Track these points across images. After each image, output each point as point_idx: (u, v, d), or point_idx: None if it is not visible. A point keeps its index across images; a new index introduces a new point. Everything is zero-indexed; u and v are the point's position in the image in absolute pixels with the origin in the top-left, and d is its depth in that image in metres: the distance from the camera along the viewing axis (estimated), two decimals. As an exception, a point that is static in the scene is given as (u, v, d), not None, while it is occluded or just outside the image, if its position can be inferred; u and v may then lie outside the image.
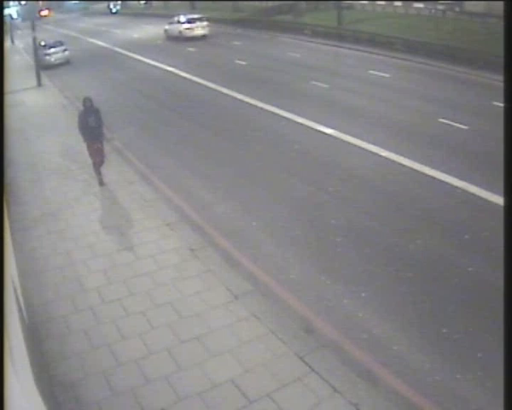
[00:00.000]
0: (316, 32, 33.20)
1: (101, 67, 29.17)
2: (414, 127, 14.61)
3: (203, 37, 33.38)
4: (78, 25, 59.59)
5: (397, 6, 38.34)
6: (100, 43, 39.65)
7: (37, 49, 25.84)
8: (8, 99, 19.03)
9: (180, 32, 33.70)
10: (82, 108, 11.62)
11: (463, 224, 9.32)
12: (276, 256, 8.64)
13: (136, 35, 41.67)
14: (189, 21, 33.69)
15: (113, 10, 70.96)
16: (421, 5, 35.38)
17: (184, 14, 35.34)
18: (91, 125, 11.15)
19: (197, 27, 33.62)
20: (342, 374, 5.96)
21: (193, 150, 13.98)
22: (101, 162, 11.66)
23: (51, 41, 31.92)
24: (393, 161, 12.15)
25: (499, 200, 9.33)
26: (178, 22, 34.15)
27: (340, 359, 6.24)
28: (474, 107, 16.19)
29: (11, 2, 52.91)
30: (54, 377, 6.06)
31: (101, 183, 11.61)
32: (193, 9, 56.99)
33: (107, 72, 27.71)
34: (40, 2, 61.79)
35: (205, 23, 33.94)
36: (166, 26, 35.82)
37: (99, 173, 11.66)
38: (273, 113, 16.76)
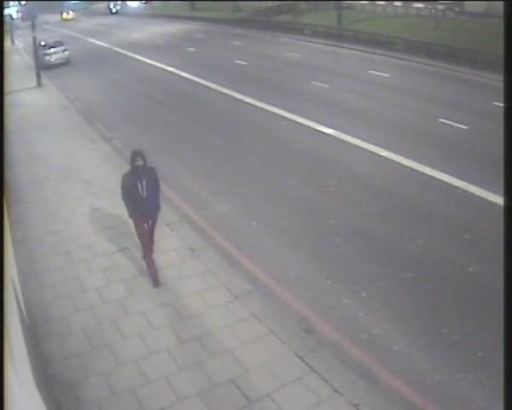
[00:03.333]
0: (316, 32, 33.26)
1: (102, 67, 29.19)
2: (414, 127, 14.61)
3: (72, 19, 69.01)
4: (79, 25, 59.64)
5: (397, 6, 38.40)
6: (100, 43, 39.67)
7: (37, 49, 25.86)
8: (8, 99, 19.03)
9: (63, 17, 70.25)
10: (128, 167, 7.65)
11: (463, 224, 9.32)
12: (275, 256, 8.64)
13: (135, 35, 41.70)
14: (67, 12, 71.35)
15: (113, 10, 71.04)
16: (421, 5, 35.41)
17: (66, 9, 73.30)
18: (142, 195, 7.37)
19: (70, 15, 70.81)
20: (342, 374, 5.96)
21: (192, 150, 13.98)
22: (151, 244, 7.90)
23: (51, 41, 31.96)
24: (393, 161, 12.15)
25: (499, 200, 9.33)
26: (61, 13, 71.42)
27: (341, 359, 6.23)
28: (474, 107, 16.20)
29: (11, 2, 52.93)
30: (54, 377, 6.06)
31: (156, 281, 7.74)
32: (193, 9, 57.07)
33: (107, 72, 27.73)
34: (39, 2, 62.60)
35: (73, 13, 71.54)
36: (62, 15, 71.02)
37: (153, 266, 7.82)
38: (273, 113, 16.76)
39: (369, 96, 18.30)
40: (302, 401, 5.58)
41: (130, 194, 7.46)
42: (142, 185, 7.34)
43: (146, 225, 7.71)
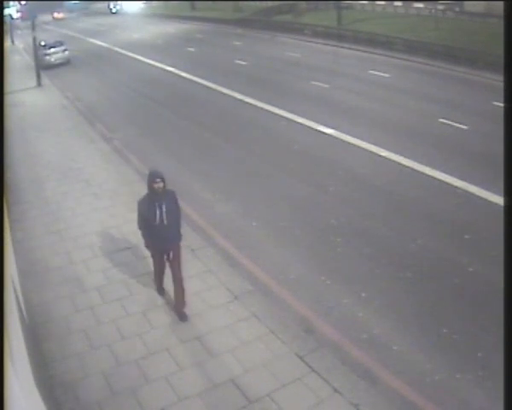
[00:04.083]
0: (316, 32, 33.23)
1: (102, 67, 29.19)
2: (414, 127, 14.61)
3: (63, 19, 71.26)
4: (78, 25, 59.66)
5: (397, 6, 38.38)
6: (100, 43, 39.66)
7: (37, 49, 25.88)
8: (8, 99, 19.03)
9: (53, 17, 71.53)
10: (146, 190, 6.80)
11: (463, 224, 9.32)
12: (276, 256, 8.64)
13: (135, 35, 41.68)
14: (57, 12, 72.91)
15: (113, 10, 71.06)
16: (421, 5, 35.39)
17: (56, 9, 73.39)
18: (161, 223, 6.48)
19: (60, 15, 72.91)
20: (342, 374, 5.96)
21: (192, 150, 13.98)
22: (180, 281, 6.89)
23: (51, 41, 31.96)
24: (393, 161, 12.15)
25: (499, 200, 9.33)
26: (52, 13, 72.04)
27: (341, 359, 6.23)
28: (474, 107, 16.19)
29: (11, 2, 52.94)
30: (54, 377, 6.06)
31: (183, 317, 6.89)
32: (193, 9, 57.06)
33: (107, 72, 27.73)
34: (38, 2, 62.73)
35: (62, 14, 73.61)
36: (53, 14, 71.82)
37: (161, 288, 7.37)
38: (273, 113, 16.76)
39: (369, 96, 18.29)
40: (302, 401, 5.59)
41: (147, 222, 6.54)
42: (161, 211, 6.41)
43: (166, 257, 6.87)
